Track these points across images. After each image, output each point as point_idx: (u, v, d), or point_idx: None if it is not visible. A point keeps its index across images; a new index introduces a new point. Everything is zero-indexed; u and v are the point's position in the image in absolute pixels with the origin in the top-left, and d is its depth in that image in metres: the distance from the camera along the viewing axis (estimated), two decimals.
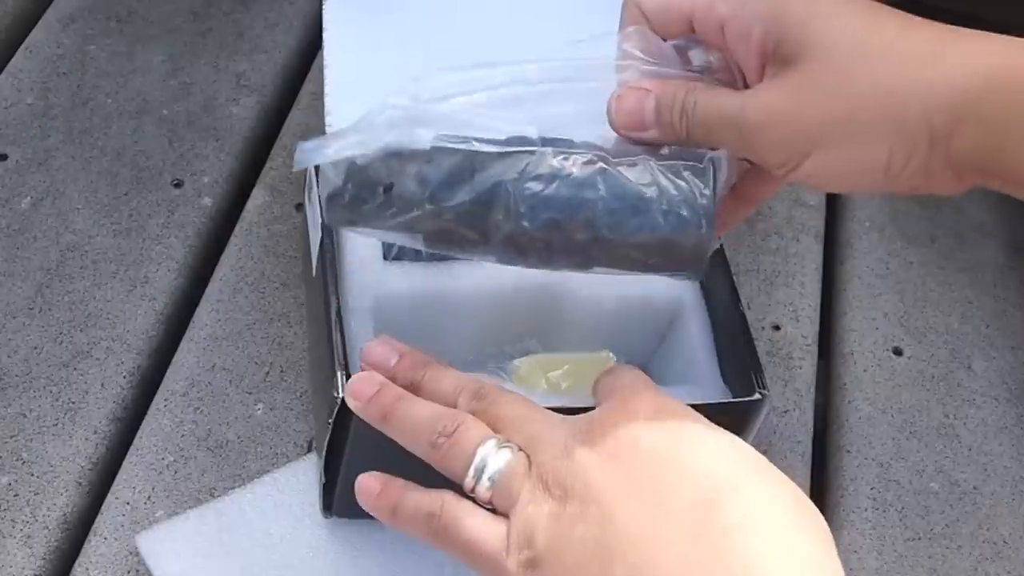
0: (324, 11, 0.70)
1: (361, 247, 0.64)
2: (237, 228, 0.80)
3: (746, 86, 0.44)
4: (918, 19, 0.41)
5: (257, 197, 0.82)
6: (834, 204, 0.88)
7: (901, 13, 0.41)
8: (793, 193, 0.87)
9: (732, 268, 0.62)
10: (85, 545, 0.63)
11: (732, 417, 0.58)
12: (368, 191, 0.46)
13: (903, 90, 0.39)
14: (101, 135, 0.85)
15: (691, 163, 0.45)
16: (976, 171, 0.40)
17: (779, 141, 0.42)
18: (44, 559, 0.63)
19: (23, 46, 0.91)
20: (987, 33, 0.40)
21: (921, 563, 0.67)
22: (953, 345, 0.79)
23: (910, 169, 0.40)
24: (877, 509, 0.69)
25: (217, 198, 0.82)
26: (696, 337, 0.62)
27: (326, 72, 0.68)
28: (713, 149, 0.46)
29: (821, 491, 0.71)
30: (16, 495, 0.65)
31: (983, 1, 0.77)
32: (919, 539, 0.68)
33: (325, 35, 0.69)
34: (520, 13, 0.73)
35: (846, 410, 0.75)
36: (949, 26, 0.41)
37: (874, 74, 0.40)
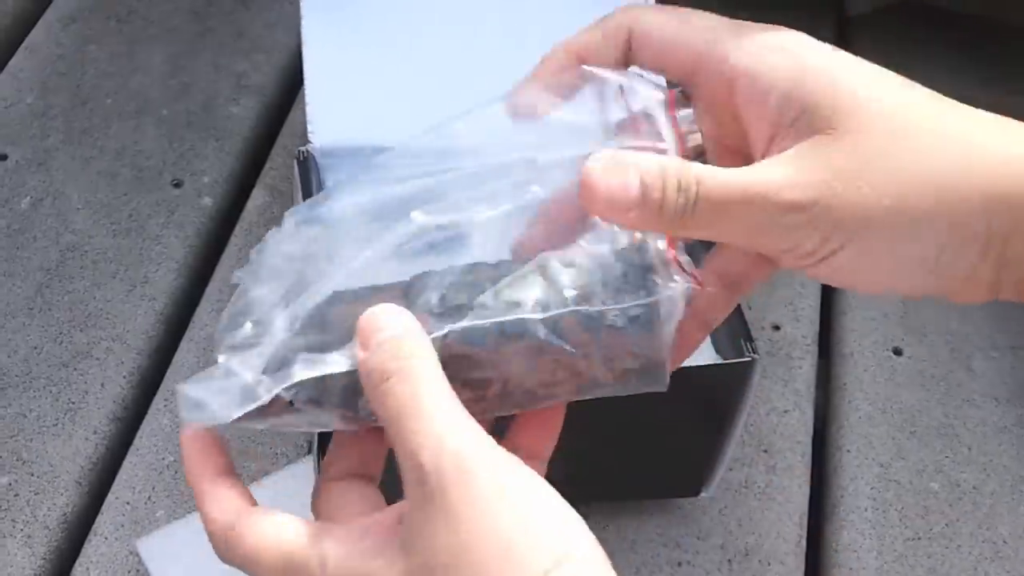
0: (302, 24, 0.70)
1: None
2: (237, 228, 0.80)
3: (744, 162, 0.36)
4: (961, 105, 0.35)
5: (257, 197, 0.82)
6: None
7: (939, 96, 0.35)
8: None
9: None
10: (85, 545, 0.63)
11: (725, 380, 0.59)
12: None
13: (959, 178, 0.33)
14: (101, 135, 0.85)
15: (633, 309, 0.35)
16: (1021, 282, 0.35)
17: (810, 228, 0.34)
18: (44, 559, 0.63)
19: (23, 46, 0.91)
20: None
21: (921, 563, 0.67)
22: (953, 345, 0.79)
23: (956, 271, 0.34)
24: (877, 509, 0.69)
25: (217, 198, 0.82)
26: None
27: (307, 86, 0.68)
28: (687, 241, 0.37)
29: (821, 491, 0.71)
30: (16, 495, 0.65)
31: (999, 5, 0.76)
32: (919, 539, 0.68)
33: (304, 48, 0.69)
34: (498, 17, 0.73)
35: (846, 410, 0.74)
36: (1001, 117, 0.35)
37: (926, 157, 0.33)
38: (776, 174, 0.34)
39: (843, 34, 1.02)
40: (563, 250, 0.36)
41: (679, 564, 0.66)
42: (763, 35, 0.36)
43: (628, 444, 0.62)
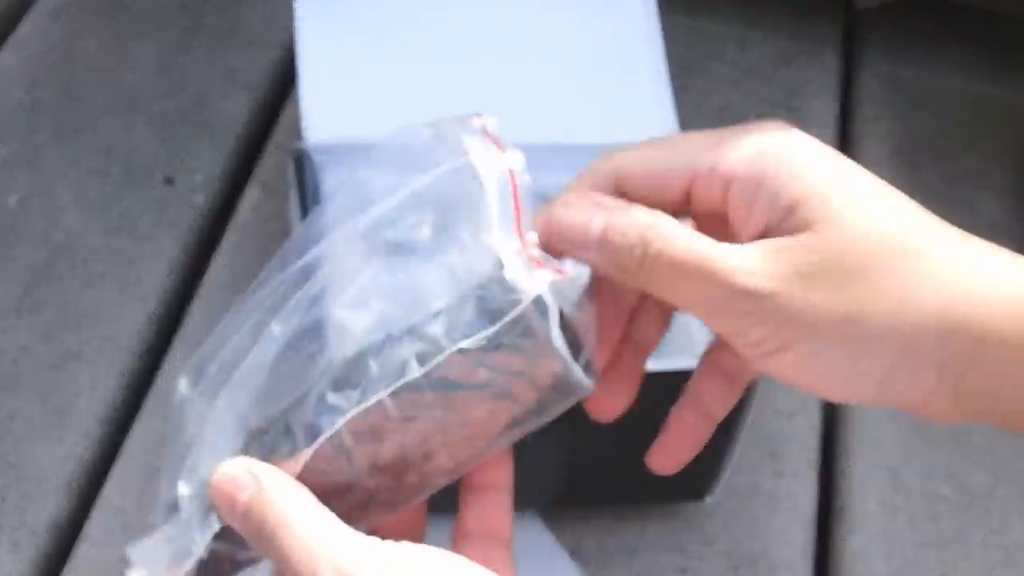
0: (296, 19, 0.70)
1: None
2: (230, 226, 0.79)
3: None
4: (948, 227, 0.35)
5: (251, 195, 0.81)
6: None
7: (927, 215, 0.35)
8: None
9: None
10: (75, 550, 0.63)
11: None
12: None
13: (917, 301, 0.33)
14: (91, 131, 0.84)
15: (507, 325, 0.35)
16: (983, 413, 0.34)
17: (760, 318, 0.33)
18: (33, 564, 0.62)
19: (10, 40, 0.90)
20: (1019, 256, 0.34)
21: (931, 569, 0.66)
22: None
23: (910, 393, 0.34)
24: (886, 514, 0.69)
25: (210, 196, 0.81)
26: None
27: (301, 82, 0.68)
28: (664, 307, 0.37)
29: (828, 495, 0.70)
30: (4, 499, 0.64)
31: None
32: (929, 544, 0.67)
33: (298, 44, 0.69)
34: (495, 11, 0.73)
35: (853, 412, 0.74)
36: (981, 241, 0.35)
37: (888, 274, 0.33)
38: (739, 257, 0.34)
39: (851, 29, 1.01)
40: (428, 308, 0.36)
41: (683, 571, 0.65)
42: (752, 139, 0.36)
43: (631, 448, 0.61)
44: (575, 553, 0.65)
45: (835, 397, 0.36)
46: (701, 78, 0.94)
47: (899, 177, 0.97)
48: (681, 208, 0.37)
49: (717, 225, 0.37)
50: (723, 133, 0.37)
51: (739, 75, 0.95)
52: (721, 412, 0.41)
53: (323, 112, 0.68)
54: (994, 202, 0.88)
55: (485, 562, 0.34)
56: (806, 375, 0.35)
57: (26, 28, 0.91)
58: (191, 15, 0.93)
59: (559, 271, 0.35)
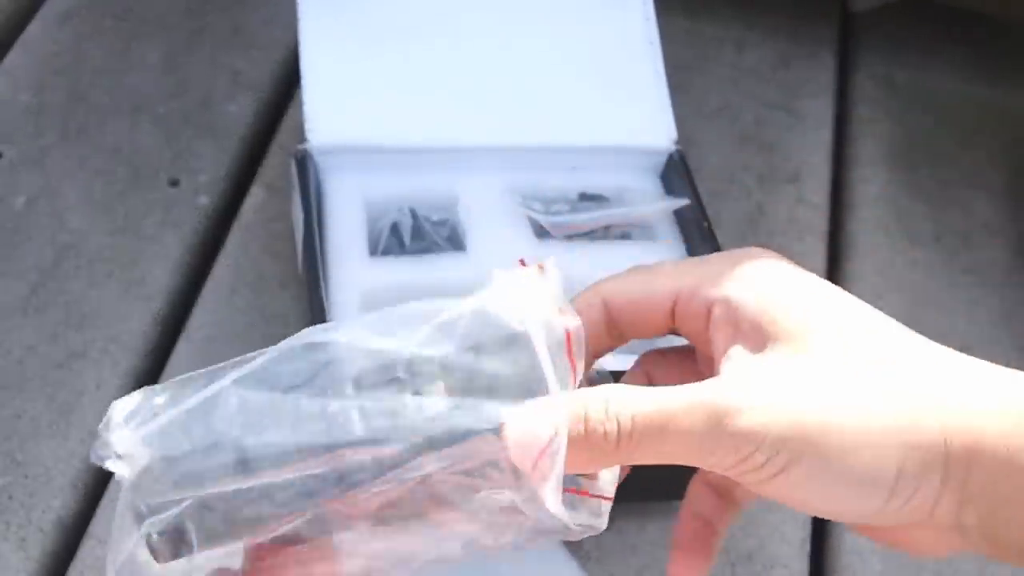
0: (300, 21, 0.70)
1: (347, 243, 0.65)
2: (234, 227, 0.79)
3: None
4: (928, 341, 0.36)
5: (254, 195, 0.81)
6: (838, 203, 0.88)
7: (906, 330, 0.36)
8: (796, 192, 0.86)
9: None
10: (80, 548, 0.63)
11: None
12: None
13: (922, 400, 0.33)
14: (96, 133, 0.84)
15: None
16: (982, 538, 0.34)
17: (763, 435, 0.32)
18: (39, 563, 0.62)
19: (18, 43, 0.90)
20: (1002, 369, 0.35)
21: (926, 566, 0.67)
22: (958, 346, 0.78)
23: (917, 499, 0.33)
24: None
25: (214, 197, 0.81)
26: None
27: (304, 84, 0.68)
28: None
29: None
30: (10, 497, 0.64)
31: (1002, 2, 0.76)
32: None
33: (302, 46, 0.69)
34: (496, 13, 0.73)
35: None
36: (967, 357, 0.36)
37: (893, 377, 0.33)
38: (725, 380, 0.34)
39: (847, 31, 1.01)
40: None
41: None
42: (734, 265, 0.36)
43: None
44: (573, 550, 0.65)
45: (844, 514, 0.34)
46: (699, 79, 0.94)
47: (894, 178, 0.98)
48: (670, 330, 0.38)
49: (702, 347, 0.37)
50: (707, 258, 0.38)
51: (737, 76, 0.95)
52: (723, 527, 0.41)
53: (326, 114, 0.68)
54: (988, 203, 0.88)
55: None
56: (814, 491, 0.33)
57: (34, 31, 0.91)
58: (196, 18, 0.94)
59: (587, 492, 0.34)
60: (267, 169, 0.83)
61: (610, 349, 0.40)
